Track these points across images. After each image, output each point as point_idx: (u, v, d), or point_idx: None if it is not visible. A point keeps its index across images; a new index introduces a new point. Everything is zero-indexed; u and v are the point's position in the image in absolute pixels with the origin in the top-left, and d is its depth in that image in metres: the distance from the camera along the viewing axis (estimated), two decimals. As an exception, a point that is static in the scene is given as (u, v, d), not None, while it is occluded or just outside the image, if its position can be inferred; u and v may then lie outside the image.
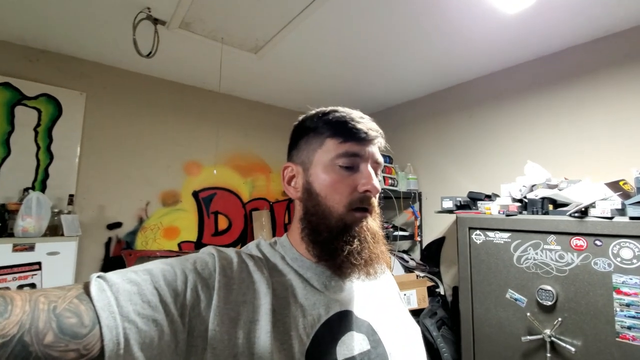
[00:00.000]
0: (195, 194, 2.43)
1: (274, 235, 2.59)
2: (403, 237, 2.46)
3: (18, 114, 1.84)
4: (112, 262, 2.07)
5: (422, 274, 2.16)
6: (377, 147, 0.55)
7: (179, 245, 2.34)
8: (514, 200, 1.63)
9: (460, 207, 1.85)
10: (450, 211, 1.88)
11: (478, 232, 1.65)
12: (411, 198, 2.49)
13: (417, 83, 2.36)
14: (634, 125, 1.58)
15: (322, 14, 1.53)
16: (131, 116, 2.21)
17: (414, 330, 0.58)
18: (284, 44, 1.80)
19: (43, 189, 1.86)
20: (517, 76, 2.03)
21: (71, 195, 1.89)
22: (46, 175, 1.90)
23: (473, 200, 1.84)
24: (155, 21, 1.58)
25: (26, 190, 1.79)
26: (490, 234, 1.60)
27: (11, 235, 1.57)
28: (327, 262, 0.51)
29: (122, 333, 0.33)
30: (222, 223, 2.53)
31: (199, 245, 2.40)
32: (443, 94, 2.46)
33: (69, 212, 1.80)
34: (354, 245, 0.50)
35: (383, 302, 0.58)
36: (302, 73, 2.21)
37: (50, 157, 1.92)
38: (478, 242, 1.64)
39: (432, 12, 1.52)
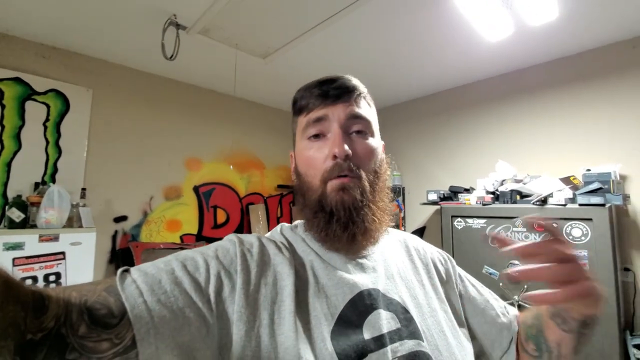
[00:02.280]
0: (196, 189, 2.54)
1: (269, 229, 2.76)
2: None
3: (28, 108, 1.86)
4: (119, 253, 2.14)
5: (407, 259, 2.44)
6: (354, 104, 0.50)
7: (180, 237, 2.44)
8: (488, 192, 1.95)
9: (444, 199, 2.15)
10: (434, 202, 2.18)
11: (459, 219, 1.95)
12: (396, 192, 2.77)
13: (404, 87, 2.64)
14: (580, 131, 1.96)
15: (330, 31, 1.74)
16: (135, 113, 2.28)
17: (458, 322, 0.52)
18: (292, 52, 1.99)
19: (52, 182, 1.90)
20: (490, 88, 2.38)
21: (83, 189, 1.94)
22: (55, 169, 1.94)
23: (454, 192, 2.15)
24: (178, 26, 1.70)
25: (38, 183, 1.83)
26: (470, 220, 1.91)
27: (34, 226, 1.62)
28: (326, 242, 0.49)
29: (151, 322, 0.34)
30: (221, 216, 2.66)
31: (199, 237, 2.51)
32: (426, 99, 2.77)
33: (84, 205, 1.86)
34: (334, 219, 0.47)
35: (419, 283, 0.52)
36: (303, 78, 2.40)
37: (59, 151, 1.96)
38: (459, 227, 1.95)
39: (429, 28, 1.78)
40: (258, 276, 0.44)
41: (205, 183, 2.59)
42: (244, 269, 0.43)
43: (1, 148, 1.76)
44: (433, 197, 2.19)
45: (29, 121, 1.86)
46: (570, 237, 1.56)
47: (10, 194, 1.74)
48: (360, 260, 0.50)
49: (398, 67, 2.24)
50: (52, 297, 0.31)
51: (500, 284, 1.73)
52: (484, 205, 1.86)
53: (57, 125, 1.96)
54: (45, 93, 1.92)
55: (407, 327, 0.45)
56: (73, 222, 1.79)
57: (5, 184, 1.77)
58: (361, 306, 0.45)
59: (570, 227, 1.56)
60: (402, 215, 2.75)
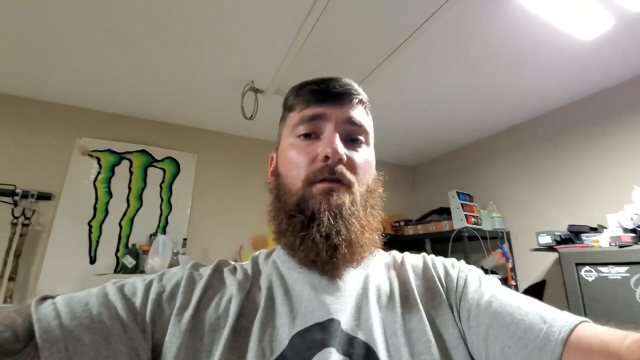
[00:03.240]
0: (281, 238, 2.63)
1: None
2: (494, 281, 2.28)
3: (149, 173, 2.30)
4: (212, 301, 2.28)
5: (523, 321, 1.94)
6: (354, 109, 0.46)
7: (266, 287, 2.50)
8: (626, 230, 1.47)
9: (561, 241, 1.70)
10: (550, 247, 1.74)
11: (588, 268, 1.49)
12: (498, 238, 2.35)
13: (492, 119, 2.37)
14: None
15: (396, 67, 1.73)
16: (231, 172, 2.59)
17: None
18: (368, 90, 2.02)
19: (163, 233, 2.23)
20: (603, 102, 1.94)
21: (185, 239, 2.22)
22: (166, 222, 2.28)
23: (575, 233, 1.69)
24: (256, 91, 1.94)
25: (152, 235, 2.16)
26: (603, 269, 1.44)
27: (142, 271, 1.89)
28: (298, 253, 0.42)
29: (64, 350, 0.29)
30: (304, 266, 2.65)
31: (284, 287, 2.52)
32: (522, 127, 2.41)
33: (184, 253, 2.10)
34: (314, 224, 0.40)
35: (408, 313, 0.41)
36: (383, 113, 2.40)
37: (170, 207, 2.32)
38: (589, 279, 1.48)
39: (508, 47, 1.60)
40: (200, 299, 0.39)
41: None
42: (187, 291, 0.39)
43: (127, 206, 2.18)
44: (546, 240, 1.76)
45: (149, 184, 2.29)
46: None
47: (131, 244, 2.09)
48: (331, 282, 0.42)
49: (487, 94, 2.04)
50: None
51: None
52: (621, 247, 1.40)
53: (170, 186, 2.35)
54: (162, 160, 2.35)
55: None
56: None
57: (128, 236, 2.15)
58: (309, 342, 0.36)
59: None
60: (509, 265, 2.27)
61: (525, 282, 2.23)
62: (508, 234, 2.38)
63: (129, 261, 1.87)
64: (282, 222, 0.44)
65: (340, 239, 0.40)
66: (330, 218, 0.40)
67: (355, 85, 0.49)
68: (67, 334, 0.30)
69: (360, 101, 0.48)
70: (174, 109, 2.24)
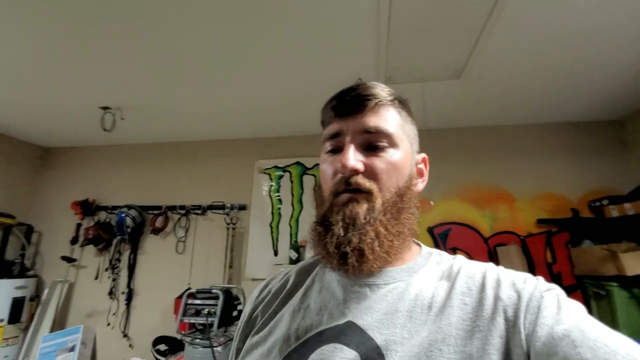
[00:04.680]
0: (430, 230, 2.49)
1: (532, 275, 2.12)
2: None
3: (305, 180, 2.74)
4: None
5: None
6: (371, 115, 0.46)
7: (421, 280, 2.42)
8: None
9: None
10: None
11: None
12: None
13: None
14: None
15: (507, 22, 1.35)
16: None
17: None
18: (482, 62, 1.68)
19: (320, 230, 2.59)
20: None
21: (335, 234, 2.50)
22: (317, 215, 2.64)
23: None
24: (368, 87, 1.97)
25: (311, 231, 2.57)
26: None
27: (302, 262, 2.29)
28: (321, 259, 0.47)
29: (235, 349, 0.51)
30: (464, 260, 2.39)
31: (441, 282, 2.37)
32: None
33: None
34: (329, 234, 0.43)
35: (436, 333, 0.39)
36: (510, 85, 1.90)
37: (316, 198, 2.67)
38: None
39: None
40: (262, 302, 0.53)
41: (440, 224, 2.49)
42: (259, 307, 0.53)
43: (292, 209, 2.68)
44: None
45: (306, 189, 2.72)
46: None
47: (294, 241, 2.56)
48: (360, 288, 0.45)
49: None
50: None
51: None
52: None
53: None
54: (312, 167, 2.75)
55: None
56: (328, 260, 2.33)
57: (296, 233, 2.63)
58: (326, 338, 0.41)
59: None
60: None
61: None
62: None
63: (293, 254, 2.31)
64: (313, 230, 0.49)
65: (349, 249, 0.42)
66: (342, 229, 0.43)
67: (374, 89, 0.48)
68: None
69: (378, 103, 0.47)
70: (311, 121, 2.58)
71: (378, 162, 0.45)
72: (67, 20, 1.48)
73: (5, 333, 2.46)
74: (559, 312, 0.36)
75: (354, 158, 0.44)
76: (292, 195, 2.72)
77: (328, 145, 0.48)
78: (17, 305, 2.54)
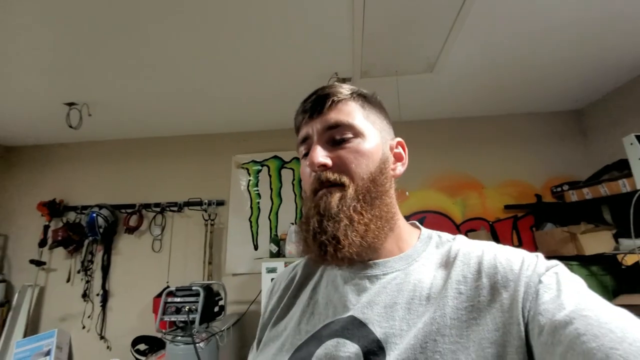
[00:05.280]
0: (407, 219, 2.57)
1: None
2: None
3: (283, 174, 2.74)
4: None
5: None
6: (331, 112, 0.49)
7: (399, 268, 2.51)
8: None
9: None
10: None
11: None
12: None
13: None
14: None
15: (477, 17, 1.41)
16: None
17: None
18: (453, 56, 1.74)
19: (300, 223, 2.62)
20: None
21: (314, 226, 2.53)
22: (301, 214, 2.66)
23: None
24: (343, 80, 1.99)
25: (291, 224, 2.59)
26: None
27: (283, 255, 2.30)
28: (305, 254, 0.50)
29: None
30: (438, 246, 2.50)
31: (417, 268, 2.47)
32: None
33: (313, 239, 2.42)
34: (309, 227, 0.46)
35: (431, 324, 0.39)
36: (480, 78, 1.99)
37: (302, 200, 2.69)
38: None
39: None
40: (274, 294, 0.57)
41: (415, 212, 2.58)
42: (272, 296, 0.58)
43: (272, 203, 2.69)
44: None
45: (284, 182, 2.72)
46: None
47: (275, 234, 2.57)
48: (360, 280, 0.47)
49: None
50: None
51: None
52: None
53: (300, 183, 2.73)
54: (290, 161, 2.75)
55: None
56: (308, 252, 2.36)
57: (276, 227, 2.64)
58: (334, 332, 0.43)
59: None
60: None
61: None
62: None
63: (273, 248, 2.32)
64: (298, 229, 0.51)
65: (324, 238, 0.44)
66: (317, 222, 0.45)
67: (331, 88, 0.51)
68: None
69: (335, 101, 0.50)
70: (288, 114, 2.57)
71: (344, 153, 0.47)
72: (30, 6, 1.39)
73: (-26, 341, 2.33)
74: (559, 295, 0.35)
75: (320, 155, 0.47)
76: (271, 189, 2.72)
77: (302, 150, 0.51)
78: (-16, 313, 2.40)
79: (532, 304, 0.36)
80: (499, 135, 2.60)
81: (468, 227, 2.49)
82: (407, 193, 2.52)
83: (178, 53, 1.72)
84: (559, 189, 2.29)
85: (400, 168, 0.55)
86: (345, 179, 0.46)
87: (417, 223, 0.56)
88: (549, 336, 0.32)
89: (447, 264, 0.45)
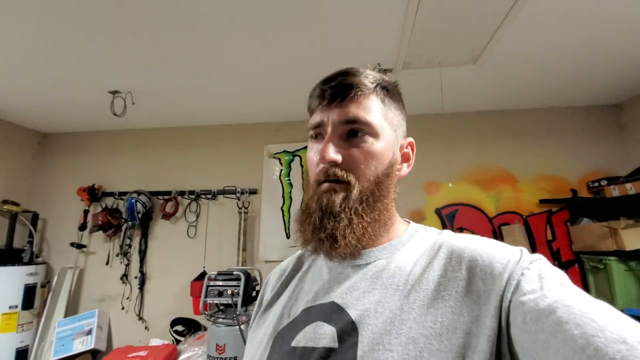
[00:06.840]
0: (438, 211, 2.59)
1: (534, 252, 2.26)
2: None
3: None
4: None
5: None
6: (352, 105, 0.47)
7: (429, 259, 2.54)
8: None
9: None
10: None
11: None
12: None
13: None
14: None
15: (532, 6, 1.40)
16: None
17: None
18: (500, 48, 1.74)
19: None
20: None
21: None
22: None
23: None
24: (385, 71, 2.00)
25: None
26: None
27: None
28: (300, 243, 0.51)
29: None
30: (470, 239, 2.51)
31: (448, 260, 2.49)
32: None
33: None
34: (309, 220, 0.47)
35: (408, 309, 0.40)
36: (530, 70, 1.97)
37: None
38: None
39: None
40: (267, 288, 0.60)
41: (447, 205, 2.59)
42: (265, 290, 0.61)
43: (303, 193, 2.73)
44: None
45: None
46: None
47: (309, 222, 2.62)
48: (344, 270, 0.48)
49: None
50: None
51: None
52: None
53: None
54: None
55: (343, 353, 0.40)
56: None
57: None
58: (312, 316, 0.46)
59: None
60: None
61: None
62: None
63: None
64: (297, 216, 0.52)
65: (323, 235, 0.45)
66: (318, 217, 0.46)
67: (357, 77, 0.49)
68: None
69: (358, 93, 0.48)
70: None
71: (356, 153, 0.47)
72: None
73: (20, 319, 2.46)
74: (542, 287, 0.36)
75: (332, 150, 0.46)
76: (303, 179, 2.76)
77: (312, 133, 0.51)
78: (29, 292, 2.53)
79: (514, 294, 0.36)
80: (534, 128, 2.57)
81: (501, 221, 2.49)
82: (449, 185, 2.53)
83: (225, 49, 1.75)
84: (597, 184, 2.27)
85: (405, 169, 0.55)
86: (351, 178, 0.46)
87: (408, 220, 0.56)
88: (532, 324, 0.33)
89: (430, 254, 0.46)
